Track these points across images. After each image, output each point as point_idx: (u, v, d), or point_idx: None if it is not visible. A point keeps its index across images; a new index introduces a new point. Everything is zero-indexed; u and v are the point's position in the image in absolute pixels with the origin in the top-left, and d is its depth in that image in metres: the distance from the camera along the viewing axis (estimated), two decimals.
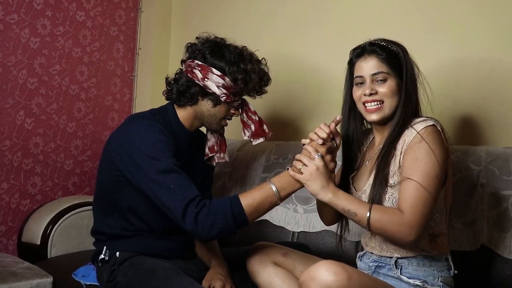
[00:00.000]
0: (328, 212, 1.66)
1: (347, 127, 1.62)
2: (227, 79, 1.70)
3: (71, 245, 2.26)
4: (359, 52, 1.54)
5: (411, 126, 1.45)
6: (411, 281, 1.45)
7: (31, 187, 2.53)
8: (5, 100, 2.40)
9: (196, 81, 1.72)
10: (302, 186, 1.53)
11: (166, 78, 1.83)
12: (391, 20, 2.23)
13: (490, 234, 1.74)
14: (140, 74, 3.01)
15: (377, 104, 1.49)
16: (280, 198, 1.54)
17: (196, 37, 1.81)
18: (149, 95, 2.97)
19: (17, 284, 1.76)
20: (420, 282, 1.44)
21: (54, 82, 2.59)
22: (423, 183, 1.37)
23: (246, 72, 1.71)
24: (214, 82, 1.70)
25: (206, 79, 1.71)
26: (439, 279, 1.45)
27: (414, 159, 1.40)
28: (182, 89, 1.75)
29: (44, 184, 2.58)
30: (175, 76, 1.80)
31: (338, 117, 1.57)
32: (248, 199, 1.52)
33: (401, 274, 1.46)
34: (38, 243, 2.18)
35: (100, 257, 1.72)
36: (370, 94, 1.49)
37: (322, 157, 1.48)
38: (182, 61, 1.81)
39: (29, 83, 2.48)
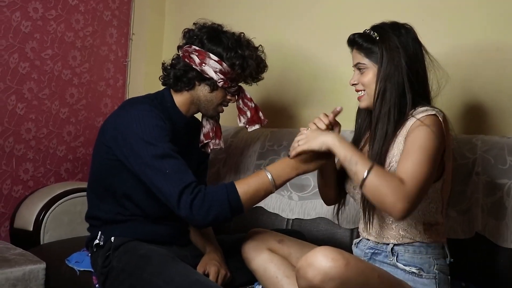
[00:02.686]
0: (330, 186, 1.66)
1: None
2: (224, 64, 1.70)
3: (64, 231, 2.24)
4: (347, 43, 1.59)
5: (412, 115, 1.46)
6: (407, 268, 1.45)
7: (23, 173, 2.50)
8: None
9: (193, 66, 1.72)
10: (297, 174, 1.55)
11: (163, 64, 1.82)
12: (387, 7, 2.21)
13: (484, 222, 1.75)
14: (134, 60, 2.98)
15: (361, 93, 1.55)
16: (276, 186, 1.54)
17: (194, 23, 1.80)
18: (142, 81, 2.95)
19: (10, 270, 1.75)
20: (416, 269, 1.45)
21: (46, 66, 2.56)
22: (423, 160, 1.36)
23: (244, 58, 1.72)
24: (212, 67, 1.70)
25: (203, 64, 1.70)
26: (435, 267, 1.46)
27: (414, 138, 1.41)
28: (179, 74, 1.74)
29: (37, 170, 2.56)
30: (171, 61, 1.79)
31: (338, 108, 1.58)
32: (244, 186, 1.51)
33: (397, 261, 1.47)
34: (31, 229, 2.17)
35: (94, 242, 1.72)
36: (353, 84, 1.57)
37: None
38: (179, 47, 1.80)
39: (21, 67, 2.45)
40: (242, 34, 1.78)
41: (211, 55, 1.70)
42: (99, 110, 2.85)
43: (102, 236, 1.71)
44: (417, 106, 1.48)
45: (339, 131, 1.59)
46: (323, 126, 1.54)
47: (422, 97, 1.51)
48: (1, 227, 2.44)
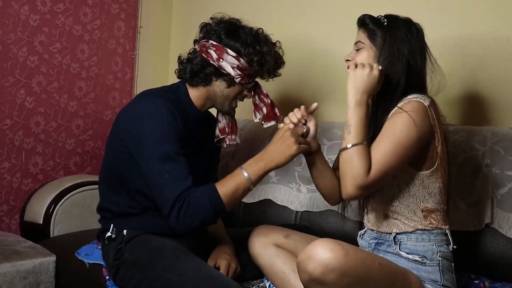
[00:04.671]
0: (326, 182, 1.66)
1: None
2: (242, 60, 1.68)
3: (73, 224, 2.25)
4: (357, 23, 1.61)
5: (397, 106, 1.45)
6: (410, 256, 1.45)
7: (32, 166, 2.52)
8: (5, 78, 2.37)
9: (211, 61, 1.69)
10: (274, 167, 1.57)
11: (179, 57, 1.80)
12: None
13: (494, 214, 1.74)
14: (142, 53, 2.99)
15: None
16: (253, 183, 1.57)
17: (211, 18, 1.78)
18: (150, 74, 2.95)
19: (21, 263, 1.77)
20: (419, 257, 1.44)
21: (54, 60, 2.56)
22: (390, 150, 1.38)
23: (262, 54, 1.69)
24: (229, 63, 1.68)
25: (221, 60, 1.68)
26: (438, 254, 1.45)
27: (390, 125, 1.42)
28: (197, 69, 1.72)
29: (46, 163, 2.57)
30: (188, 55, 1.77)
31: (314, 105, 1.63)
32: (224, 188, 1.55)
33: (400, 250, 1.47)
34: (41, 222, 2.18)
35: (106, 235, 1.71)
36: (347, 60, 1.57)
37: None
38: (195, 41, 1.78)
39: (30, 61, 2.46)
40: (261, 30, 1.76)
41: (229, 50, 1.68)
42: (107, 104, 2.85)
43: (114, 229, 1.71)
44: (404, 94, 1.49)
45: (314, 125, 1.63)
46: (294, 119, 1.59)
47: (416, 90, 1.50)
48: (11, 220, 2.46)
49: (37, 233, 2.17)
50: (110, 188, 1.76)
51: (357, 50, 1.56)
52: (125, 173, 1.70)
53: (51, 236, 2.18)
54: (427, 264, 1.44)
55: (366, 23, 1.55)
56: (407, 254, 1.46)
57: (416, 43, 1.52)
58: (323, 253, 1.27)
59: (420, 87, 1.52)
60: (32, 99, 2.48)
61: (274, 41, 1.78)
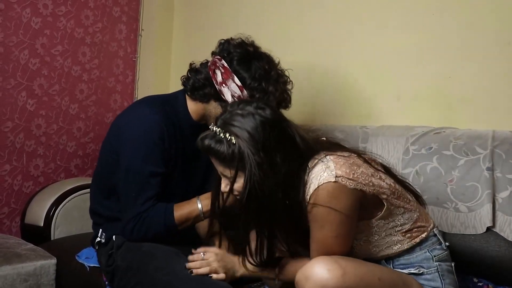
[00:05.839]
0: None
1: None
2: (244, 92, 1.65)
3: (74, 227, 2.26)
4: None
5: (309, 174, 1.32)
6: (405, 271, 1.42)
7: (33, 169, 2.52)
8: (7, 81, 2.38)
9: (214, 82, 1.68)
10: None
11: (191, 64, 1.79)
12: (397, 1, 2.19)
13: (496, 218, 1.73)
14: (143, 56, 2.99)
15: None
16: (204, 215, 1.63)
17: (232, 38, 1.74)
18: (152, 77, 2.95)
19: (21, 265, 1.77)
20: (415, 269, 1.41)
21: (56, 63, 2.57)
22: (326, 246, 1.33)
23: (266, 93, 1.65)
24: (231, 90, 1.65)
25: (224, 85, 1.66)
26: (434, 259, 1.42)
27: (315, 224, 1.33)
28: (198, 85, 1.71)
29: (47, 166, 2.57)
30: (198, 66, 1.76)
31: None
32: (179, 211, 1.62)
33: (394, 267, 1.43)
34: (42, 225, 2.18)
35: (96, 240, 1.74)
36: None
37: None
38: (212, 53, 1.75)
39: (31, 63, 2.46)
40: (277, 65, 1.71)
41: (235, 78, 1.64)
42: (108, 106, 2.85)
43: (103, 234, 1.73)
44: (305, 168, 1.35)
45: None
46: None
47: (301, 159, 1.36)
48: (12, 222, 2.46)
49: (37, 235, 2.17)
50: (101, 192, 1.79)
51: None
52: (115, 178, 1.71)
53: (52, 238, 2.18)
54: (425, 273, 1.41)
55: (211, 152, 1.35)
56: (402, 269, 1.42)
57: (272, 145, 1.32)
58: (320, 273, 1.25)
59: (303, 156, 1.36)
60: (33, 101, 2.48)
61: (287, 69, 1.73)
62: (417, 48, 2.12)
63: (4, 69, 2.36)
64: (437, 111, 2.08)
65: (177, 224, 1.61)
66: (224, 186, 1.39)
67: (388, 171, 1.48)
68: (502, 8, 1.97)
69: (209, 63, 1.72)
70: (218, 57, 1.69)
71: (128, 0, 2.91)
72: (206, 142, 1.34)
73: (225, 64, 1.67)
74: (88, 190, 2.29)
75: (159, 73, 2.95)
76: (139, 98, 2.95)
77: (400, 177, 1.51)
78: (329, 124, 2.27)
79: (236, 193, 1.36)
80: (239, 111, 1.34)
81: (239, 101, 1.42)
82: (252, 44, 1.72)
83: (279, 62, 1.74)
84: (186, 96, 1.77)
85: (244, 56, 1.67)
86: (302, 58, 2.49)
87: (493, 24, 1.99)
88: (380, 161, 1.49)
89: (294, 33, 2.52)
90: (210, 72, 1.69)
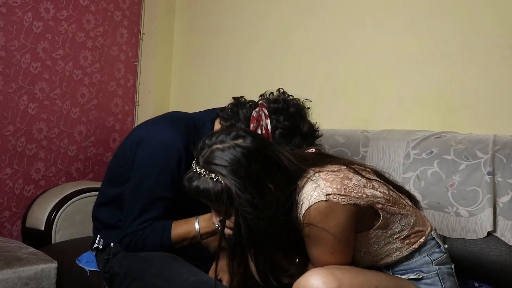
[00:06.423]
0: None
1: None
2: None
3: (75, 230, 2.25)
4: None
5: (299, 194, 1.30)
6: (405, 276, 1.41)
7: (34, 172, 2.52)
8: (8, 84, 2.38)
9: (249, 125, 1.62)
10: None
11: (237, 98, 1.71)
12: (398, 5, 2.20)
13: (497, 222, 1.73)
14: (144, 60, 3.00)
15: None
16: (201, 237, 1.61)
17: (289, 97, 1.67)
18: (153, 81, 2.96)
19: (22, 269, 1.77)
20: (415, 275, 1.40)
21: (57, 67, 2.57)
22: (324, 263, 1.31)
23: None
24: None
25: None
26: (433, 263, 1.41)
27: (310, 243, 1.32)
28: (231, 123, 1.65)
29: (48, 169, 2.57)
30: (247, 102, 1.69)
31: None
32: (177, 230, 1.61)
33: (393, 273, 1.43)
34: (43, 228, 2.18)
35: (94, 246, 1.75)
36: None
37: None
38: (264, 93, 1.70)
39: (33, 67, 2.47)
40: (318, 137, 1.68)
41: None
42: (109, 110, 2.86)
43: (101, 240, 1.73)
44: (295, 188, 1.32)
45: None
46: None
47: (292, 181, 1.32)
48: (13, 226, 2.46)
49: (38, 239, 2.17)
50: (106, 197, 1.77)
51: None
52: (123, 187, 1.70)
53: (53, 242, 2.18)
54: (425, 277, 1.40)
55: (200, 194, 1.30)
56: (401, 275, 1.42)
57: (259, 181, 1.27)
58: (315, 285, 1.25)
59: (294, 177, 1.33)
60: (34, 105, 2.49)
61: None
62: (418, 53, 2.13)
63: (5, 73, 2.36)
64: (438, 116, 2.08)
65: (173, 243, 1.61)
66: (217, 221, 1.38)
67: (381, 176, 1.46)
68: (503, 13, 1.98)
69: (254, 113, 1.63)
70: (266, 113, 1.62)
71: (130, 5, 2.92)
72: (194, 184, 1.29)
73: (268, 127, 1.61)
74: (89, 193, 2.32)
75: (160, 77, 2.95)
76: (140, 102, 2.97)
77: (393, 181, 1.50)
78: (330, 128, 2.28)
79: (228, 231, 1.34)
80: (218, 146, 1.29)
81: (215, 133, 1.35)
82: (304, 117, 1.65)
83: (322, 135, 1.68)
84: (216, 122, 1.72)
85: (290, 133, 1.62)
86: (303, 62, 2.50)
87: (494, 28, 1.99)
88: (371, 167, 1.47)
89: (295, 37, 2.52)
90: (251, 121, 1.62)
